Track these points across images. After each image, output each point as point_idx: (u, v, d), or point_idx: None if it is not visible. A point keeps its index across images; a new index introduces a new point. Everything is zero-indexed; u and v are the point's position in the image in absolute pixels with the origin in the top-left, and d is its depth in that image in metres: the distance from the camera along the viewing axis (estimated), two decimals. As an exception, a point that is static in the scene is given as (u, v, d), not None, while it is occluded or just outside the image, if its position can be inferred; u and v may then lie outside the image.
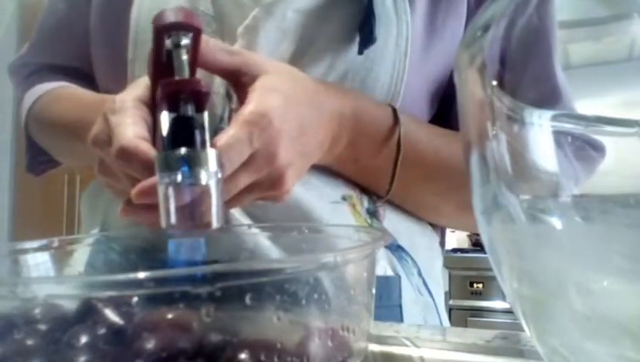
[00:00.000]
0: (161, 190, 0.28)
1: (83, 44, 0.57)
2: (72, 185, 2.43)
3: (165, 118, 0.29)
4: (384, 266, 0.49)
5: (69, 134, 0.53)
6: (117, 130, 0.32)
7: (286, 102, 0.36)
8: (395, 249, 0.51)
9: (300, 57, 0.47)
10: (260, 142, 0.33)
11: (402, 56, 0.48)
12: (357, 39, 0.46)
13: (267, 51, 0.47)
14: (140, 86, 0.35)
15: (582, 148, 0.20)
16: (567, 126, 0.19)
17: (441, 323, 0.55)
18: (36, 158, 0.65)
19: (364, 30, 0.46)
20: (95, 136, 0.35)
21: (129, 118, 0.33)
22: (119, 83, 0.51)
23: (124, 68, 0.51)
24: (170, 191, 0.28)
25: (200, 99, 0.29)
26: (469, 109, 0.20)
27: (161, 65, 0.30)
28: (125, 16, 0.50)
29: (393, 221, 0.51)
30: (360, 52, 0.46)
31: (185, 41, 0.30)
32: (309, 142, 0.40)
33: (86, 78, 0.59)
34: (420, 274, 0.52)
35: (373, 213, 0.50)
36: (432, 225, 0.56)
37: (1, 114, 2.39)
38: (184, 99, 0.29)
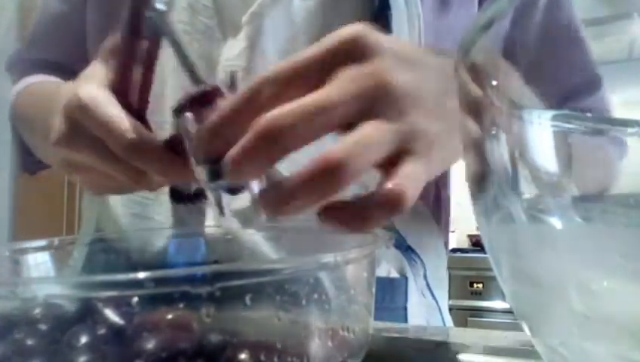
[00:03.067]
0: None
1: (79, 41, 0.57)
2: (72, 186, 2.43)
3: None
4: (387, 268, 0.49)
5: (32, 129, 0.52)
6: (115, 125, 0.30)
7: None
8: (405, 249, 0.51)
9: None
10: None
11: None
12: None
13: (273, 38, 0.46)
14: (95, 77, 0.33)
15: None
16: (567, 126, 0.19)
17: (444, 326, 0.55)
18: (28, 157, 0.64)
19: (379, 23, 0.45)
20: (61, 134, 0.33)
21: (116, 109, 0.31)
22: None
23: None
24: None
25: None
26: (469, 109, 0.20)
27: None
28: (119, 14, 0.50)
29: (404, 221, 0.51)
30: None
31: None
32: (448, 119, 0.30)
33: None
34: (425, 275, 0.52)
35: None
36: (438, 224, 0.56)
37: (1, 114, 2.39)
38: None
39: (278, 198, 0.25)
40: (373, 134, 0.25)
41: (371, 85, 0.26)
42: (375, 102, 0.26)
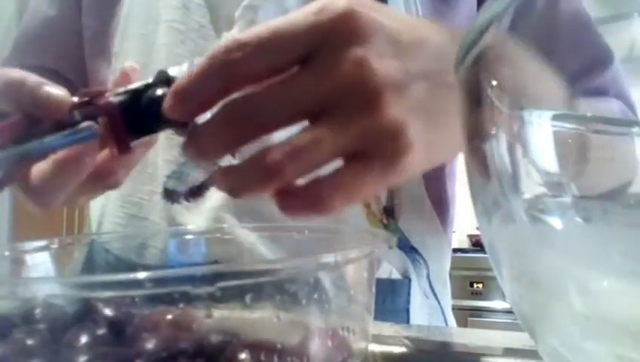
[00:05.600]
0: None
1: (67, 46, 0.57)
2: (72, 186, 2.43)
3: None
4: (388, 269, 0.49)
5: None
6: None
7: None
8: (409, 250, 0.50)
9: None
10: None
11: None
12: None
13: None
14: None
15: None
16: (568, 126, 0.19)
17: (447, 326, 0.55)
18: None
19: None
20: None
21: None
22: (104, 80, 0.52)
23: (109, 61, 0.51)
24: None
25: None
26: (469, 109, 0.20)
27: None
28: (114, 13, 0.51)
29: (408, 220, 0.50)
30: None
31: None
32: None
33: (65, 82, 0.59)
34: (427, 276, 0.52)
35: (390, 212, 0.49)
36: (442, 224, 0.56)
37: (1, 114, 2.39)
38: None
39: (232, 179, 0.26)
40: (325, 139, 0.24)
41: (349, 76, 0.24)
42: (349, 94, 0.24)
